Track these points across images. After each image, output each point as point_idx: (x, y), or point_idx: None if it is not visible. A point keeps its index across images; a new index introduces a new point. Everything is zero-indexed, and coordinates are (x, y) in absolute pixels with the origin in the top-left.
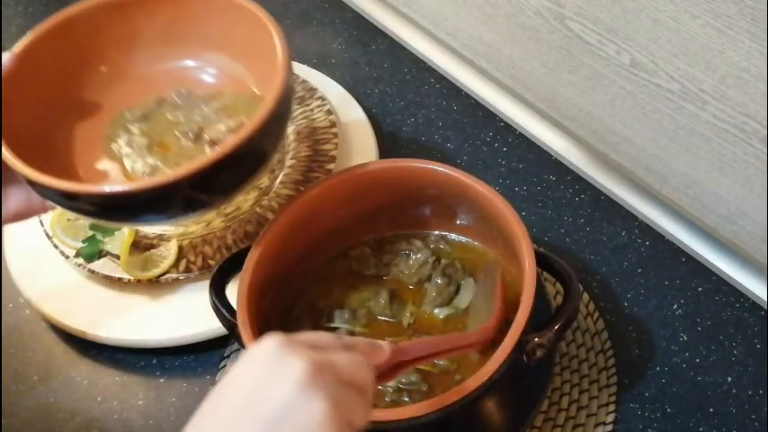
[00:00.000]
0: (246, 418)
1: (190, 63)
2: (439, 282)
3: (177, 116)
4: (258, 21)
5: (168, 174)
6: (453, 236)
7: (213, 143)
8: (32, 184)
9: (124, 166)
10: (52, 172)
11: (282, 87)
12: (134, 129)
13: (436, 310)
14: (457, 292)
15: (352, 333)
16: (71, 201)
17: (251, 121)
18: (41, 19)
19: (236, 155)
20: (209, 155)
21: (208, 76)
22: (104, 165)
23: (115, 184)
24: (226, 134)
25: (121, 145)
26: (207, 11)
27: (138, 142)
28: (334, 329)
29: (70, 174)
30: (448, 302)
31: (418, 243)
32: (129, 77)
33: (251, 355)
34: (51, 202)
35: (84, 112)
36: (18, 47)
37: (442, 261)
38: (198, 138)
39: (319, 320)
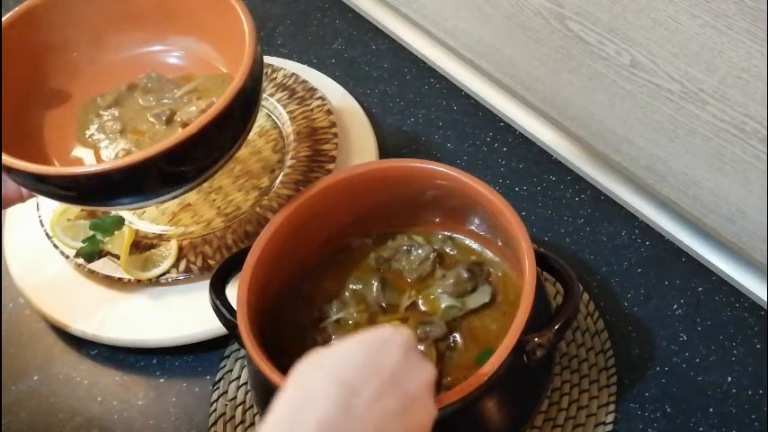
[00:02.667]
0: (370, 377)
1: (159, 47)
2: (463, 274)
3: (149, 100)
4: (223, 1)
5: (138, 154)
6: (455, 236)
7: (185, 125)
8: (8, 170)
9: (98, 152)
10: (26, 161)
11: (250, 64)
12: (106, 114)
13: (444, 296)
14: (472, 292)
15: (349, 321)
16: (45, 184)
17: (221, 99)
18: None
19: (205, 134)
20: (178, 134)
21: (177, 60)
22: (79, 152)
23: (88, 166)
24: (197, 115)
25: (94, 131)
26: None
27: (111, 127)
28: (330, 322)
29: (45, 162)
30: (458, 296)
31: (420, 239)
32: (100, 64)
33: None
34: (27, 190)
35: (56, 100)
36: None
37: (472, 258)
38: (170, 120)
39: (314, 314)
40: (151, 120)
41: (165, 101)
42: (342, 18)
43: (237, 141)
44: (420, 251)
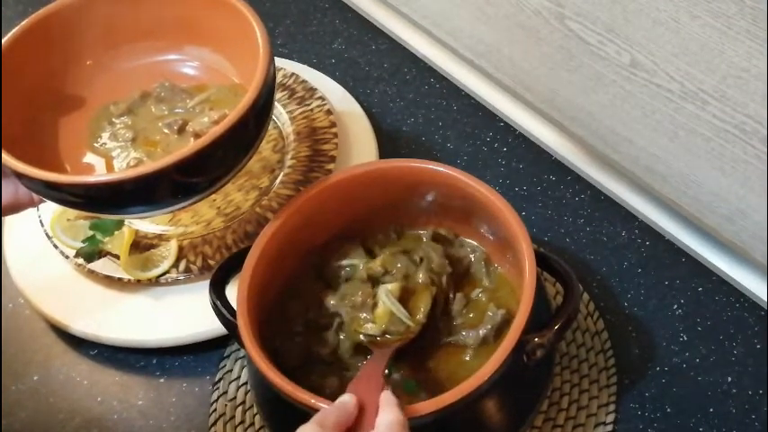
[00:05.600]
0: None
1: (173, 56)
2: (490, 339)
3: (161, 109)
4: (238, 12)
5: (150, 164)
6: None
7: (197, 136)
8: (20, 176)
9: (110, 160)
10: (39, 166)
11: (263, 77)
12: (119, 122)
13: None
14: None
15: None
16: (57, 192)
17: (234, 112)
18: None
19: (217, 146)
20: (190, 146)
21: (191, 69)
22: (90, 159)
23: (100, 175)
24: (209, 126)
25: (106, 140)
26: (188, 4)
27: (123, 135)
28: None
29: (57, 168)
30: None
31: (455, 244)
32: (114, 72)
33: None
34: (39, 196)
35: (69, 106)
36: (4, 41)
37: (501, 315)
38: (182, 130)
39: (309, 315)
40: (163, 129)
41: (178, 110)
42: (342, 18)
43: (249, 153)
44: (459, 250)
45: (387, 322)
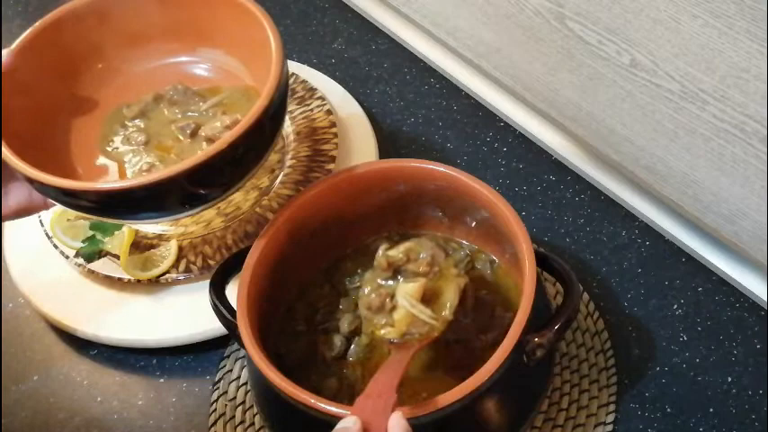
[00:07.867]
0: None
1: (185, 59)
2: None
3: (174, 112)
4: (251, 14)
5: (164, 170)
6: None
7: (210, 140)
8: (31, 181)
9: (122, 164)
10: (51, 170)
11: (276, 81)
12: (132, 126)
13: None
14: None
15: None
16: (70, 198)
17: (246, 118)
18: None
19: (230, 152)
20: (203, 151)
21: (203, 71)
22: (103, 162)
23: (112, 182)
24: (222, 131)
25: (119, 144)
26: (201, 6)
27: (136, 139)
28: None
29: (69, 171)
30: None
31: (454, 244)
32: (126, 74)
33: None
34: (51, 200)
35: (81, 109)
36: (15, 44)
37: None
38: (195, 134)
39: (317, 317)
40: (176, 133)
41: (191, 113)
42: (342, 18)
43: (261, 159)
44: (453, 253)
45: (407, 325)
